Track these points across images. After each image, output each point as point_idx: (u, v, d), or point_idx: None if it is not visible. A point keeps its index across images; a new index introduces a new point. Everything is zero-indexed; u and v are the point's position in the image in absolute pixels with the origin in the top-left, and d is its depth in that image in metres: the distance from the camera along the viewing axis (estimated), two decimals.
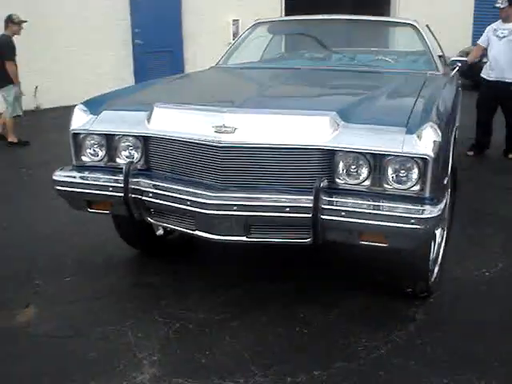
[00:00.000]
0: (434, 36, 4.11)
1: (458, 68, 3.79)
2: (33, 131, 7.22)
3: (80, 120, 2.82)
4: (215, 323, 2.81)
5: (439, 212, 2.30)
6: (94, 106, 2.86)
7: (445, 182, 2.53)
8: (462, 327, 2.77)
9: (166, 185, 2.58)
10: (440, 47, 4.64)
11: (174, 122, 2.61)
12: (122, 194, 2.59)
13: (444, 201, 2.39)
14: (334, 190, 2.44)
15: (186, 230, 2.62)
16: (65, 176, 2.79)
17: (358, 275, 3.28)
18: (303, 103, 2.81)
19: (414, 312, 2.90)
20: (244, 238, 2.51)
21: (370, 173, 2.41)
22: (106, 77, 8.59)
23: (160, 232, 3.45)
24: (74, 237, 3.84)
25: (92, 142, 2.81)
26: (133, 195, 2.61)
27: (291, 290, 3.12)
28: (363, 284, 3.16)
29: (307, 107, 2.62)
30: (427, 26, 4.43)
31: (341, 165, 2.42)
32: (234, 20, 10.18)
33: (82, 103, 2.89)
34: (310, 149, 2.41)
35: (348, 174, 2.43)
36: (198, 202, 2.44)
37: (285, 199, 2.41)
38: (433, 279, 3.08)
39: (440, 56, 4.02)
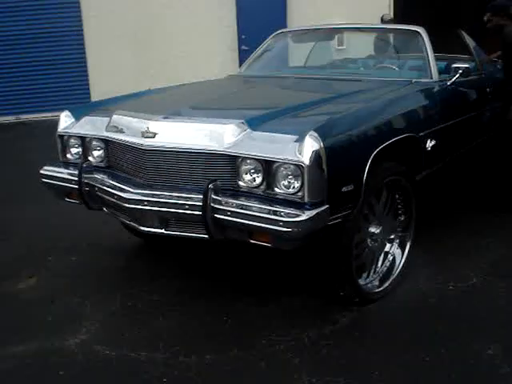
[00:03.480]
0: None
1: (458, 75, 3.66)
2: None
3: (64, 124, 3.37)
4: (160, 306, 3.16)
5: (310, 217, 2.40)
6: (77, 112, 3.39)
7: (344, 190, 2.60)
8: (374, 336, 2.80)
9: (107, 180, 3.01)
10: (471, 52, 4.47)
11: (121, 127, 3.02)
12: (76, 186, 3.09)
13: (323, 207, 2.47)
14: (237, 192, 2.67)
15: (126, 221, 3.02)
16: (48, 170, 3.35)
17: (305, 276, 3.41)
18: (220, 112, 3.04)
19: (342, 316, 2.97)
20: (163, 231, 2.84)
21: (264, 178, 2.59)
22: None
23: None
24: (98, 226, 4.39)
25: (73, 142, 3.34)
26: (86, 188, 3.09)
27: (242, 287, 3.35)
28: (309, 285, 3.29)
29: (220, 116, 2.86)
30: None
31: (241, 169, 2.64)
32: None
33: (67, 110, 3.43)
34: (212, 153, 2.67)
35: (247, 178, 2.64)
36: (120, 197, 2.83)
37: (188, 198, 2.69)
38: (383, 287, 3.14)
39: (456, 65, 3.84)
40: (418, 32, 3.86)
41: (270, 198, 2.58)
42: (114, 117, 3.11)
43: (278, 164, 2.53)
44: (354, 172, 2.67)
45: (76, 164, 3.31)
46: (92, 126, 3.25)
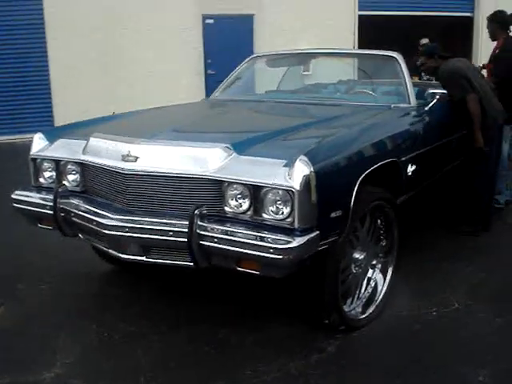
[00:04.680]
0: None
1: (435, 100, 3.71)
2: None
3: (37, 146, 3.23)
4: (137, 336, 3.03)
5: (301, 243, 2.35)
6: (51, 135, 3.27)
7: (333, 215, 2.56)
8: (361, 365, 2.74)
9: (84, 205, 2.89)
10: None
11: (98, 150, 2.92)
12: (51, 212, 2.95)
13: (314, 233, 2.42)
14: (222, 217, 2.59)
15: (104, 248, 2.90)
16: (20, 195, 3.20)
17: (290, 302, 3.33)
18: (205, 136, 2.98)
19: (328, 344, 2.90)
20: (144, 258, 2.73)
21: (251, 203, 2.53)
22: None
23: None
24: (69, 252, 4.24)
25: (46, 165, 3.21)
26: (62, 214, 2.95)
27: (223, 314, 3.25)
28: (292, 311, 3.22)
29: (204, 139, 2.79)
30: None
31: (227, 194, 2.57)
32: None
33: (41, 132, 3.30)
34: (198, 178, 2.59)
35: (234, 203, 2.57)
36: (99, 223, 2.71)
37: (172, 224, 2.60)
38: (366, 315, 3.09)
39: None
40: (394, 57, 3.90)
41: (258, 224, 2.51)
42: (92, 140, 3.00)
43: (266, 189, 2.47)
44: (342, 197, 2.64)
45: (49, 188, 3.18)
46: (67, 149, 3.14)
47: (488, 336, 2.97)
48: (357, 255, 3.02)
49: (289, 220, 2.44)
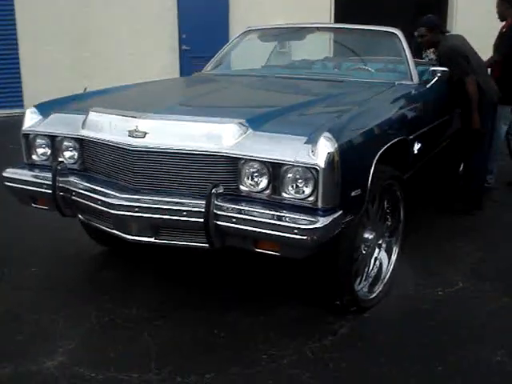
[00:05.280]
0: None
1: (437, 78, 3.65)
2: None
3: (30, 121, 3.03)
4: (142, 320, 2.91)
5: (326, 224, 2.27)
6: (45, 109, 3.07)
7: (353, 194, 2.48)
8: (377, 346, 2.69)
9: (86, 184, 2.73)
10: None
11: (100, 125, 2.75)
12: (50, 191, 2.77)
13: (338, 213, 2.34)
14: (237, 196, 2.48)
15: (107, 229, 2.75)
16: (13, 173, 3.00)
17: (298, 285, 3.26)
18: (218, 111, 2.84)
19: (339, 326, 2.84)
20: (153, 240, 2.60)
21: (270, 181, 2.42)
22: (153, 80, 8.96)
23: None
24: (56, 231, 4.07)
25: (40, 142, 3.02)
26: (61, 193, 2.78)
27: (228, 296, 3.15)
28: (301, 293, 3.15)
29: (218, 114, 2.65)
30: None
31: (243, 172, 2.45)
32: None
33: (34, 106, 3.10)
34: (212, 155, 2.46)
35: (250, 182, 2.46)
36: (106, 202, 2.56)
37: (185, 203, 2.47)
38: (374, 294, 3.04)
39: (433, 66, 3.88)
40: (395, 33, 3.82)
41: (276, 204, 2.41)
42: (92, 114, 2.82)
43: (286, 167, 2.36)
44: (361, 175, 2.56)
45: (43, 166, 3.00)
46: (63, 124, 2.95)
47: (499, 315, 2.96)
48: (367, 235, 2.96)
49: (311, 199, 2.35)
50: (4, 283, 3.33)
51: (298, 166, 2.33)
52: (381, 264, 3.19)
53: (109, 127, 2.70)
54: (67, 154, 2.94)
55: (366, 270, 3.05)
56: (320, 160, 2.28)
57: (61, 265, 3.58)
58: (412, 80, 3.60)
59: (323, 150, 2.29)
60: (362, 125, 2.63)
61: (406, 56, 3.70)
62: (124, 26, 9.42)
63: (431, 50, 4.80)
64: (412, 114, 3.25)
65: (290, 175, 2.37)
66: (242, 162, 2.44)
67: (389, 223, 3.21)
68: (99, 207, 2.60)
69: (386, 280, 3.15)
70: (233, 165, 2.46)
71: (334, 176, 2.33)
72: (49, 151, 3.01)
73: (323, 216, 2.30)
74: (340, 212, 2.36)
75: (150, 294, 3.18)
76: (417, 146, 3.31)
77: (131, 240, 2.64)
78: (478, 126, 4.03)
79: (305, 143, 2.33)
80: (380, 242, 3.18)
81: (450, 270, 3.48)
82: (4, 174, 3.02)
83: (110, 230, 2.73)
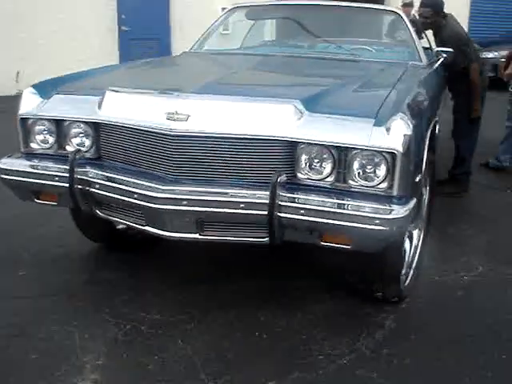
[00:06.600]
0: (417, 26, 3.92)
1: (442, 59, 3.58)
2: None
3: (29, 104, 2.61)
4: (168, 325, 2.61)
5: (407, 212, 2.10)
6: (45, 89, 2.65)
7: (417, 179, 2.33)
8: (433, 337, 2.57)
9: (114, 175, 2.37)
10: (427, 38, 4.44)
11: (126, 107, 2.40)
12: (67, 185, 2.39)
13: (414, 200, 2.19)
14: (294, 185, 2.24)
15: (136, 225, 2.42)
16: (11, 164, 2.58)
17: (326, 276, 3.09)
18: (266, 91, 2.60)
19: (383, 318, 2.70)
20: (197, 236, 2.31)
21: (334, 167, 2.21)
22: (90, 63, 8.30)
23: (122, 226, 3.24)
24: (33, 228, 3.64)
25: (41, 127, 2.61)
26: (79, 186, 2.41)
27: (253, 292, 2.92)
28: (331, 286, 2.97)
29: (269, 95, 2.40)
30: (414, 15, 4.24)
31: (303, 158, 2.22)
32: (222, 8, 9.86)
33: (32, 86, 2.68)
34: (270, 140, 2.21)
35: (310, 169, 2.23)
36: (145, 196, 2.23)
37: (240, 194, 2.20)
38: (406, 283, 2.91)
39: (427, 48, 3.83)
40: (398, 13, 3.70)
41: (343, 192, 2.20)
42: (112, 94, 2.46)
43: (355, 151, 2.16)
44: (421, 160, 2.41)
45: (45, 155, 2.60)
46: (71, 106, 2.56)
47: None
48: None
49: (382, 186, 2.16)
50: None
51: (369, 150, 2.13)
52: (415, 247, 3.07)
53: (138, 109, 2.35)
54: (76, 140, 2.56)
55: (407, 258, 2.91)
56: (397, 143, 2.10)
57: (51, 266, 3.17)
58: (421, 61, 3.49)
59: (400, 132, 2.11)
60: (417, 105, 2.48)
61: (412, 36, 3.59)
62: (60, 6, 8.69)
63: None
64: (438, 95, 3.15)
65: (358, 160, 2.17)
66: (302, 146, 2.20)
67: None
68: (134, 201, 2.27)
69: (413, 267, 3.04)
70: (290, 150, 2.22)
71: (410, 160, 2.16)
72: (52, 138, 2.60)
73: (398, 204, 2.13)
74: (415, 200, 2.19)
75: (166, 295, 2.87)
76: (437, 127, 3.22)
77: (168, 237, 2.34)
78: (479, 113, 4.04)
79: (375, 125, 2.14)
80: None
81: (463, 254, 3.44)
82: (0, 166, 2.59)
83: (139, 226, 2.40)
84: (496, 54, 8.72)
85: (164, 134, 2.26)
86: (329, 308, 2.79)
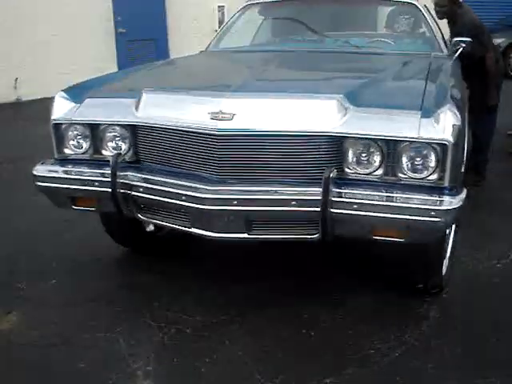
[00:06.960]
0: (433, 17, 3.90)
1: (461, 49, 3.57)
2: (13, 124, 6.92)
3: (62, 109, 2.57)
4: (212, 327, 2.59)
5: (460, 203, 2.10)
6: (77, 93, 2.62)
7: (462, 169, 2.33)
8: (478, 326, 2.58)
9: (157, 178, 2.34)
10: (439, 28, 4.43)
11: (165, 108, 2.37)
12: (109, 189, 2.36)
13: (465, 190, 2.18)
14: (343, 180, 2.23)
15: (180, 228, 2.39)
16: (46, 171, 2.54)
17: (364, 270, 3.08)
18: (305, 86, 2.58)
19: (426, 309, 2.70)
20: (245, 235, 2.29)
21: (382, 161, 2.19)
22: (88, 66, 8.26)
23: (150, 228, 3.22)
24: (59, 235, 3.59)
25: (75, 132, 2.57)
26: (121, 190, 2.37)
27: (292, 289, 2.91)
28: (370, 280, 2.97)
29: (311, 90, 2.38)
30: (425, 6, 4.22)
31: (350, 152, 2.21)
32: (219, 6, 9.85)
33: (63, 90, 2.64)
34: (317, 135, 2.19)
35: (358, 163, 2.22)
36: (193, 197, 2.21)
37: (290, 192, 2.19)
38: (444, 273, 2.91)
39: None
40: (415, 4, 3.69)
41: (392, 185, 2.19)
42: (150, 95, 2.43)
43: (404, 144, 2.15)
44: (463, 150, 2.41)
45: (81, 160, 2.56)
46: (106, 109, 2.52)
47: None
48: None
49: (432, 178, 2.15)
50: (27, 301, 2.84)
51: (419, 142, 2.12)
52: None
53: (178, 110, 2.33)
54: (112, 144, 2.52)
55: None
56: (448, 134, 2.09)
57: (82, 273, 3.13)
58: (442, 51, 3.49)
59: (450, 122, 2.10)
60: (456, 96, 2.46)
61: (431, 27, 3.58)
62: (54, 10, 8.59)
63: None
64: (463, 85, 3.14)
65: (407, 153, 2.16)
66: (350, 141, 2.19)
67: None
68: (182, 203, 2.24)
69: (448, 253, 3.03)
70: (337, 145, 2.20)
71: (459, 151, 2.16)
72: (86, 143, 2.57)
73: (450, 195, 2.12)
74: (465, 190, 2.19)
75: (203, 297, 2.85)
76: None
77: (214, 238, 2.31)
78: (496, 101, 4.04)
79: (422, 117, 2.13)
80: None
81: (493, 242, 3.44)
82: (35, 173, 2.55)
83: (183, 228, 2.38)
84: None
85: (209, 134, 2.23)
86: (370, 302, 2.79)
